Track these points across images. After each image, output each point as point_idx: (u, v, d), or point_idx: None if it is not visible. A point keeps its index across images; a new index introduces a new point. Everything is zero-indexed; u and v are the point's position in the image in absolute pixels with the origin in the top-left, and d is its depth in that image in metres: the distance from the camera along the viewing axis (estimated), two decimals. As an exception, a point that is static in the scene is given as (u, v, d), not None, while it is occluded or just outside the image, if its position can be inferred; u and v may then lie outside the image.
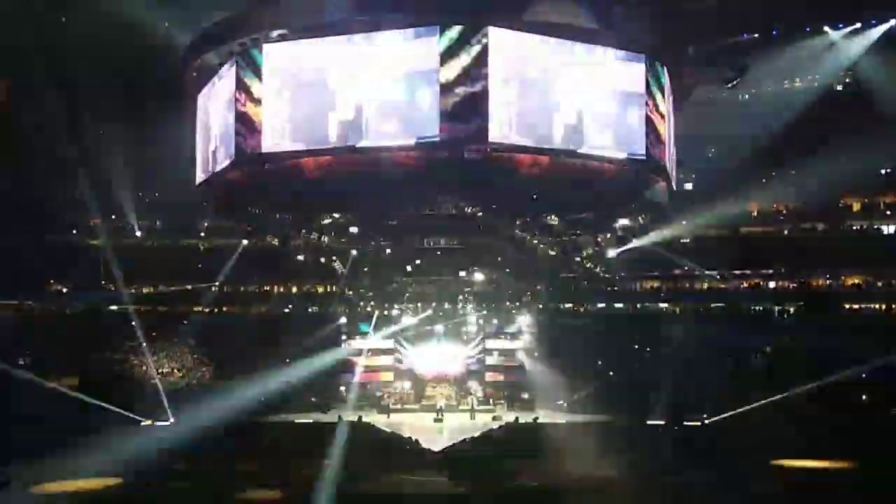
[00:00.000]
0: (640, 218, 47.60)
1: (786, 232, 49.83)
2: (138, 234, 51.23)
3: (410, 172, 30.69)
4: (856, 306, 46.04)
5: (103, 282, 46.71)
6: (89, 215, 47.25)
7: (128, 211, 48.90)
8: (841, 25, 42.24)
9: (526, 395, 41.14)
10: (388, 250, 45.58)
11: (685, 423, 35.17)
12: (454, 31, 29.82)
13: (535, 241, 46.05)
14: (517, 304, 44.74)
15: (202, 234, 52.51)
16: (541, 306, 44.86)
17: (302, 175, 31.41)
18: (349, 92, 30.35)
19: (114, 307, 45.64)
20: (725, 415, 35.14)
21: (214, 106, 34.69)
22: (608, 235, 44.97)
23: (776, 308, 46.26)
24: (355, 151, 30.02)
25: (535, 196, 36.04)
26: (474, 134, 29.81)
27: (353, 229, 44.19)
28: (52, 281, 48.39)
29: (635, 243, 43.79)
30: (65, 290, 48.42)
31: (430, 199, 37.71)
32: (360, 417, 36.17)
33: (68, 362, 40.65)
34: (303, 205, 38.48)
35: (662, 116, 35.37)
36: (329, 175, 31.23)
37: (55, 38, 41.75)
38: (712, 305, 48.55)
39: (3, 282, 40.49)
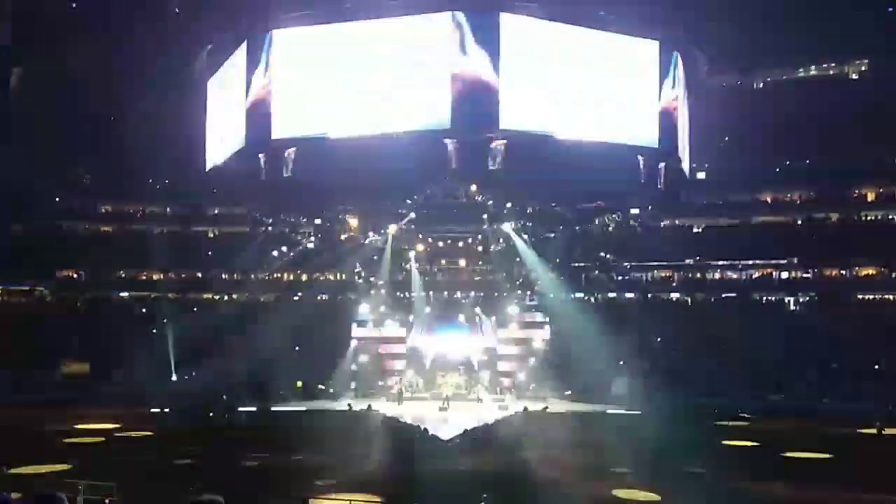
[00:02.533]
0: (650, 206, 47.39)
1: (799, 221, 49.42)
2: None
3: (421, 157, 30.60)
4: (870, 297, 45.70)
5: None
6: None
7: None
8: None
9: (535, 384, 40.93)
10: (398, 239, 45.37)
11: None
12: (466, 18, 29.58)
13: (548, 231, 45.82)
14: (528, 292, 44.43)
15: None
16: (552, 295, 44.55)
17: (314, 161, 31.31)
18: (361, 78, 30.17)
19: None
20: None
21: (225, 92, 34.57)
22: (619, 223, 44.68)
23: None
24: (368, 137, 29.90)
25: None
26: (485, 120, 29.64)
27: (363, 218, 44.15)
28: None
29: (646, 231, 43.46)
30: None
31: (440, 186, 37.59)
32: (369, 406, 36.05)
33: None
34: (314, 192, 38.39)
35: (675, 104, 35.09)
36: (343, 160, 31.11)
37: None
38: (723, 296, 48.35)
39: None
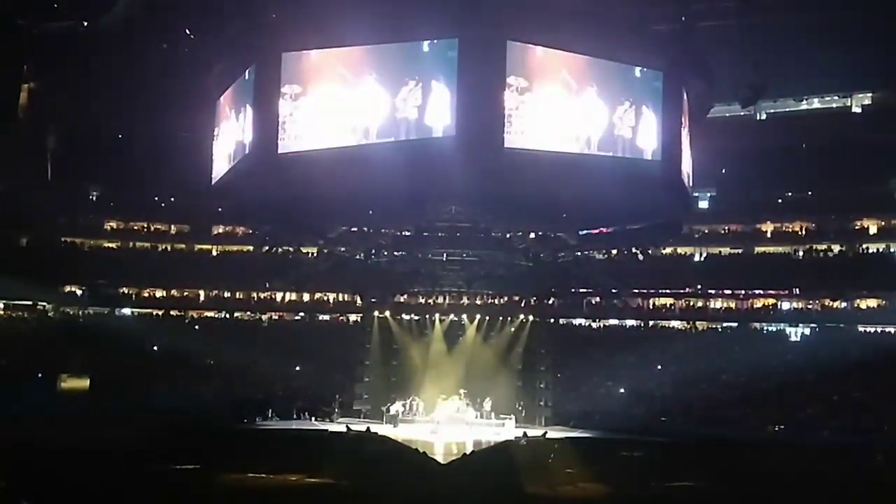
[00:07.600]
0: (652, 234, 47.44)
1: (800, 253, 49.44)
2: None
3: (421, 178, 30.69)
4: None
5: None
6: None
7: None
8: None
9: (534, 410, 40.85)
10: (397, 261, 45.27)
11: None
12: (474, 44, 29.88)
13: (546, 256, 45.76)
14: (527, 318, 44.29)
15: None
16: (551, 320, 44.57)
17: (316, 178, 31.39)
18: (367, 96, 30.41)
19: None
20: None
21: (234, 109, 34.86)
22: (621, 250, 44.61)
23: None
24: (373, 152, 30.04)
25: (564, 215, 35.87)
26: (489, 141, 29.79)
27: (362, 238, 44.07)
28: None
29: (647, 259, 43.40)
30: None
31: (438, 208, 37.54)
32: (368, 428, 35.99)
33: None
34: (316, 211, 38.46)
35: (679, 133, 35.26)
36: (344, 180, 31.23)
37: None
38: (724, 325, 48.35)
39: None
